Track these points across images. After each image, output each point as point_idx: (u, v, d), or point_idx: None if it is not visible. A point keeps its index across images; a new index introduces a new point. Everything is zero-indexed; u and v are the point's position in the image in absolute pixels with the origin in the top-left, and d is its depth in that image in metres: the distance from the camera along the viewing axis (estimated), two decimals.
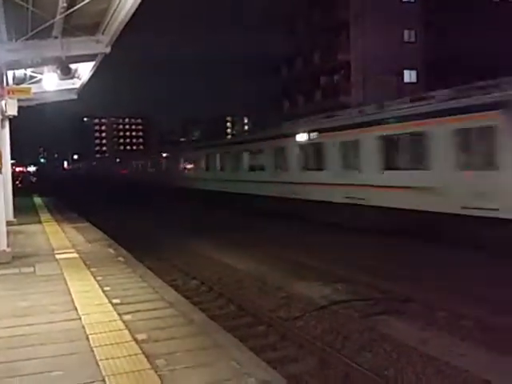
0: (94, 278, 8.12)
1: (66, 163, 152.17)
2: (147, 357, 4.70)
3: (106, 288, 7.38)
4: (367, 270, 11.21)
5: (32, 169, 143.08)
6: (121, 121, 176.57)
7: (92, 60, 13.34)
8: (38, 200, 29.08)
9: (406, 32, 42.01)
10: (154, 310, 6.23)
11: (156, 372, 4.35)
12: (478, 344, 6.76)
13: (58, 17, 9.92)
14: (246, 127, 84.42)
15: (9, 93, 12.36)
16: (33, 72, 15.49)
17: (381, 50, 38.44)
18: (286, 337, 7.28)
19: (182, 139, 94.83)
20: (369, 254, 13.04)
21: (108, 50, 11.58)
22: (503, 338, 6.87)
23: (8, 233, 10.57)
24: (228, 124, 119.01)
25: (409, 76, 42.13)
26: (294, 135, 20.90)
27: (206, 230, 18.34)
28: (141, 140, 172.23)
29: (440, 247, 13.01)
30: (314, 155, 19.80)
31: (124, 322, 5.78)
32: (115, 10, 9.93)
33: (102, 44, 11.44)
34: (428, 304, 8.54)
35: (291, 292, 9.67)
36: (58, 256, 10.24)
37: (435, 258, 12.08)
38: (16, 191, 19.98)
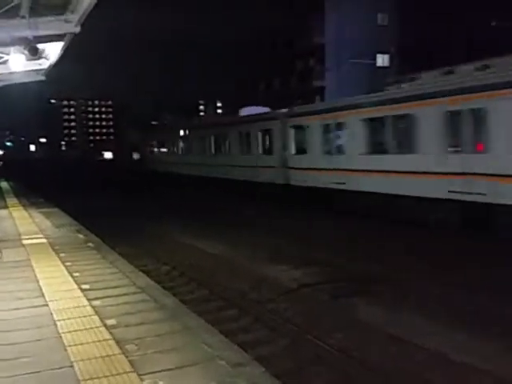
0: (63, 263, 7.98)
1: (33, 147, 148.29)
2: (117, 342, 4.66)
3: (75, 274, 7.26)
4: (339, 252, 11.35)
5: None
6: (90, 103, 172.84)
7: (61, 40, 12.92)
8: (4, 184, 28.37)
9: (379, 15, 42.16)
10: (125, 295, 6.17)
11: (126, 357, 4.32)
12: (447, 325, 6.91)
13: None
14: (220, 111, 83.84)
15: None
16: None
17: (354, 33, 38.50)
18: (257, 319, 7.32)
19: (154, 122, 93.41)
20: (341, 236, 13.19)
21: (77, 29, 11.21)
22: (472, 318, 7.02)
23: None
24: (201, 107, 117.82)
25: (382, 60, 42.40)
26: None
27: (181, 215, 18.18)
28: (111, 123, 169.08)
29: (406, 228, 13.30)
30: None
31: (93, 307, 5.71)
32: None
33: (71, 24, 11.05)
34: (398, 285, 8.70)
35: (263, 275, 9.72)
36: (25, 241, 10.02)
37: (408, 239, 12.33)
38: None
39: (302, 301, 8.19)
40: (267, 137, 22.29)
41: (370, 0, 40.34)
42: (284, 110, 21.59)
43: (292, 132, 20.41)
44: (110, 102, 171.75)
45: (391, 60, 41.98)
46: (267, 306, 7.96)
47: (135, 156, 44.29)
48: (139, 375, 3.96)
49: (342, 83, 36.33)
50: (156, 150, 38.71)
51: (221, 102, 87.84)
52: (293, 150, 20.42)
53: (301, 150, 19.94)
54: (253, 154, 23.20)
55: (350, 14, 39.46)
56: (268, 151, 22.17)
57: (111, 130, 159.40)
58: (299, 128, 19.98)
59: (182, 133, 33.26)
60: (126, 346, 4.55)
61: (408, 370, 5.61)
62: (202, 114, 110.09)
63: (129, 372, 4.03)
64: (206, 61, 64.00)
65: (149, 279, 7.17)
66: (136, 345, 4.58)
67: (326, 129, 18.23)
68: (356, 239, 12.89)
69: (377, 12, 41.84)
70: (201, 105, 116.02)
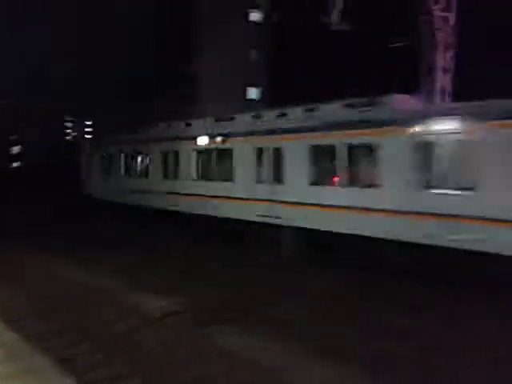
0: None
1: None
2: None
3: None
4: (208, 279, 11.30)
5: None
6: None
7: None
8: None
9: (252, 50, 44.05)
10: None
11: None
12: (301, 350, 7.12)
13: None
14: (90, 129, 79.96)
15: None
16: None
17: (227, 65, 39.66)
18: (114, 353, 6.90)
19: (13, 137, 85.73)
20: (216, 264, 13.08)
21: None
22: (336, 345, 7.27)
23: None
24: (69, 124, 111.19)
25: (253, 93, 44.15)
26: None
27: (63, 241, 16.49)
28: None
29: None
30: None
31: None
32: None
33: None
34: (264, 312, 8.84)
35: (134, 305, 9.28)
36: None
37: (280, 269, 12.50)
38: None
39: (165, 330, 7.95)
40: None
41: (244, 35, 42.08)
42: None
43: None
44: None
45: (262, 93, 43.92)
46: (129, 338, 7.56)
47: None
48: None
49: (215, 112, 36.94)
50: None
51: (91, 120, 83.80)
52: None
53: None
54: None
55: (224, 45, 40.52)
56: None
57: None
58: None
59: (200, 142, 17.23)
60: None
61: None
62: (69, 131, 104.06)
63: None
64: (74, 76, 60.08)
65: None
66: None
67: None
68: (220, 265, 12.78)
69: (250, 47, 43.63)
70: (67, 121, 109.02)
